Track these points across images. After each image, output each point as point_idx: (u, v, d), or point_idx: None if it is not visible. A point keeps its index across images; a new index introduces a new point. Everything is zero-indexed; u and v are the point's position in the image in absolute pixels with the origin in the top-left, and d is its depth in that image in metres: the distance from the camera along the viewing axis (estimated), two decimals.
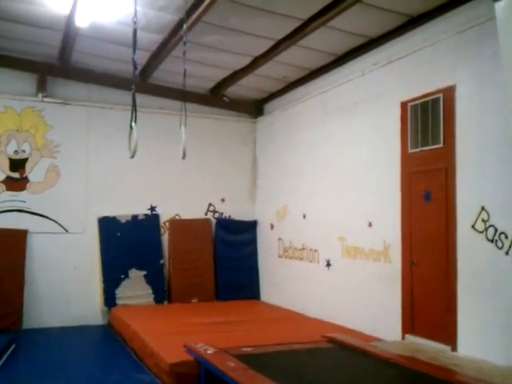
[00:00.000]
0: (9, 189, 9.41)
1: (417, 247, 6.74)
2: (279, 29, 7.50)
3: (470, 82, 6.10)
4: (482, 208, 5.84)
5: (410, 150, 6.89)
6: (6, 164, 9.44)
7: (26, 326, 9.06)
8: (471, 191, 6.01)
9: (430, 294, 6.51)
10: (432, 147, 6.55)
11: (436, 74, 6.55)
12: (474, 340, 5.88)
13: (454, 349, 6.08)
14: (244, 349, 6.15)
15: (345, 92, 8.31)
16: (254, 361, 5.53)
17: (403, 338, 6.86)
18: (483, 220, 5.83)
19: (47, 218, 9.58)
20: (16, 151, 9.53)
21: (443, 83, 6.41)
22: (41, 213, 9.54)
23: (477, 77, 6.02)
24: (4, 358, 6.99)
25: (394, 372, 5.50)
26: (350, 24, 7.14)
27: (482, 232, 5.83)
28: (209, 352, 5.76)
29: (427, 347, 6.28)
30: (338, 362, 5.92)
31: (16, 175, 9.49)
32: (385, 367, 5.59)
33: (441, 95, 6.42)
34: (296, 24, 7.28)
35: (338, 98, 8.49)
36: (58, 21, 7.70)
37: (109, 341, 8.58)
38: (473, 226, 5.93)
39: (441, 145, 6.41)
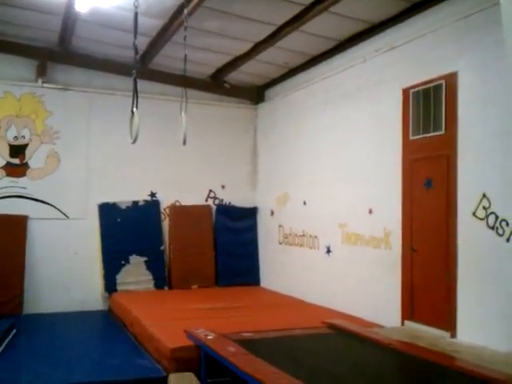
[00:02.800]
0: (9, 175, 9.39)
1: (417, 234, 6.74)
2: (280, 14, 7.44)
3: (473, 68, 6.07)
4: (483, 195, 5.83)
5: (412, 137, 6.87)
6: (6, 150, 9.42)
7: (27, 311, 9.09)
8: (472, 178, 6.00)
9: (430, 280, 6.53)
10: (433, 134, 6.52)
11: (438, 61, 6.51)
12: (474, 326, 5.90)
13: (454, 335, 6.11)
14: (244, 334, 6.18)
15: (346, 78, 8.27)
16: (254, 346, 5.55)
17: (403, 324, 6.89)
18: (484, 207, 5.82)
19: (47, 203, 9.57)
20: (16, 137, 9.51)
21: (445, 70, 6.37)
22: (41, 199, 9.54)
23: (480, 64, 5.99)
24: (5, 343, 7.01)
25: (394, 358, 5.53)
26: (352, 9, 7.08)
27: (482, 219, 5.83)
28: (209, 337, 5.79)
29: (427, 333, 6.30)
30: (338, 348, 5.94)
31: (16, 161, 9.48)
32: (384, 353, 5.62)
33: (443, 82, 6.39)
34: (298, 9, 7.21)
35: (339, 85, 8.45)
36: (57, 5, 7.63)
37: (109, 326, 8.63)
38: (474, 213, 5.93)
39: (442, 132, 6.39)
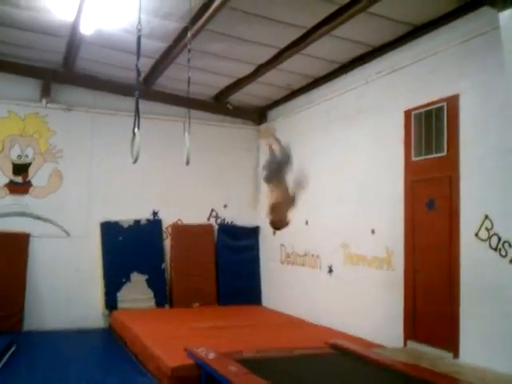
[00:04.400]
0: (12, 193, 9.45)
1: (420, 255, 6.76)
2: (283, 37, 7.54)
3: (474, 90, 6.15)
4: (486, 216, 5.86)
5: (414, 158, 6.93)
6: (10, 168, 9.48)
7: (27, 327, 9.06)
8: (475, 199, 6.04)
9: (432, 301, 6.52)
10: (435, 155, 6.58)
11: (440, 83, 6.60)
12: (477, 348, 5.88)
13: (456, 356, 6.09)
14: (245, 353, 6.17)
15: (348, 100, 8.35)
16: (256, 365, 5.53)
17: (405, 344, 6.87)
18: (487, 228, 5.85)
19: (50, 221, 9.61)
20: (19, 156, 9.57)
21: (447, 92, 6.46)
22: (43, 216, 9.57)
23: (480, 86, 6.07)
24: (4, 360, 7.01)
25: (396, 379, 5.50)
26: (354, 33, 7.18)
27: (485, 240, 5.85)
28: (210, 356, 5.77)
29: (429, 354, 6.29)
30: (340, 368, 5.92)
31: (19, 179, 9.53)
32: (387, 374, 5.60)
33: (445, 104, 6.46)
34: (300, 32, 7.32)
35: (341, 106, 8.53)
36: (62, 28, 7.73)
37: (110, 344, 8.60)
38: (476, 235, 5.96)
39: (444, 153, 6.44)
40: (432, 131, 6.64)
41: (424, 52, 6.85)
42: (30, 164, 9.63)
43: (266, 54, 8.21)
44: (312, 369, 5.81)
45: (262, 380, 4.94)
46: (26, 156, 9.62)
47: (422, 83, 6.89)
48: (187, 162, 6.48)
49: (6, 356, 7.19)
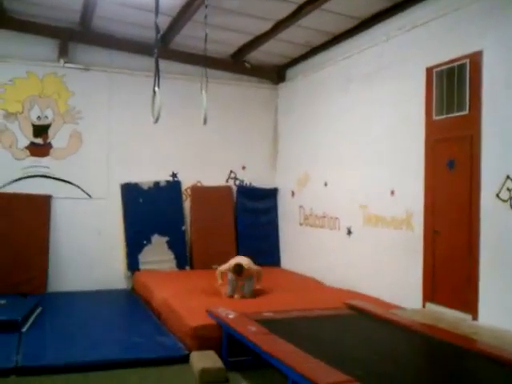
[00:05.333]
0: (32, 154, 9.51)
1: (440, 216, 6.69)
2: None
3: (498, 47, 5.94)
4: (507, 177, 5.75)
5: (435, 117, 6.78)
6: (30, 130, 9.52)
7: (51, 289, 9.25)
8: (496, 160, 5.92)
9: (452, 262, 6.49)
10: (457, 114, 6.43)
11: (462, 40, 6.39)
12: (496, 309, 5.86)
13: (475, 318, 6.08)
14: (265, 314, 6.23)
15: (368, 58, 8.16)
16: (275, 326, 5.60)
17: (424, 306, 6.88)
18: (508, 189, 5.74)
19: (70, 183, 9.69)
20: (39, 117, 9.60)
21: (470, 49, 6.26)
22: (64, 178, 9.65)
23: (505, 42, 5.86)
24: (31, 321, 7.18)
25: (414, 339, 5.54)
26: None
27: (506, 201, 5.76)
28: (230, 316, 5.85)
29: (448, 315, 6.29)
30: (358, 329, 5.97)
31: (39, 141, 9.58)
32: (405, 334, 5.63)
33: (467, 61, 6.27)
34: None
35: (361, 64, 8.34)
36: None
37: (132, 305, 8.76)
38: (497, 195, 5.86)
39: (466, 112, 6.29)
40: (454, 89, 6.47)
41: (446, 7, 6.62)
42: (49, 125, 9.66)
43: (285, 10, 8.03)
44: (330, 329, 5.86)
45: (282, 339, 5.00)
46: (46, 117, 9.64)
47: (444, 39, 6.68)
48: (204, 122, 6.44)
49: (33, 317, 7.36)
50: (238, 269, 7.31)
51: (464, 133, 6.33)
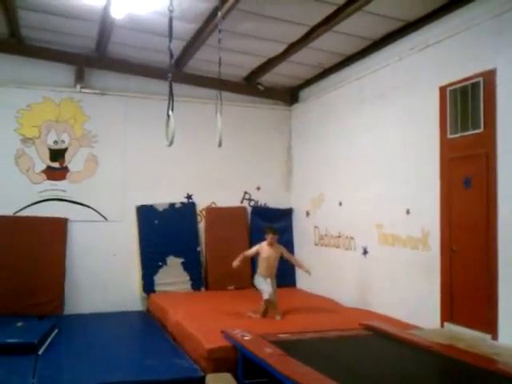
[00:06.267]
0: (49, 178, 9.63)
1: (456, 234, 6.62)
2: (314, 15, 7.41)
3: (511, 65, 5.93)
4: None
5: (449, 136, 6.76)
6: (47, 154, 9.65)
7: (68, 311, 9.28)
8: None
9: (469, 281, 6.40)
10: (472, 132, 6.41)
11: (476, 58, 6.39)
12: None
13: (495, 337, 5.98)
14: (281, 335, 6.19)
15: (381, 77, 8.19)
16: (291, 347, 5.56)
17: (442, 325, 6.78)
18: None
19: (87, 206, 9.78)
20: (55, 141, 9.74)
21: (483, 67, 6.25)
22: (80, 201, 9.74)
23: None
24: (48, 342, 7.20)
25: (433, 360, 5.45)
26: (387, 8, 7.01)
27: None
28: (246, 338, 5.82)
29: (467, 335, 6.19)
30: (376, 350, 5.89)
31: (56, 165, 9.70)
32: (423, 355, 5.54)
33: (481, 79, 6.27)
34: (331, 9, 7.18)
35: (374, 84, 8.37)
36: (94, 12, 7.77)
37: (147, 326, 8.74)
38: None
39: (481, 129, 6.27)
40: (468, 108, 6.46)
41: (458, 26, 6.64)
42: (66, 149, 9.79)
43: (297, 33, 8.10)
44: (347, 350, 5.80)
45: (299, 361, 4.95)
46: (63, 141, 9.78)
47: (457, 58, 6.69)
48: (219, 144, 6.48)
49: (49, 339, 7.38)
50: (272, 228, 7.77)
51: (479, 151, 6.30)
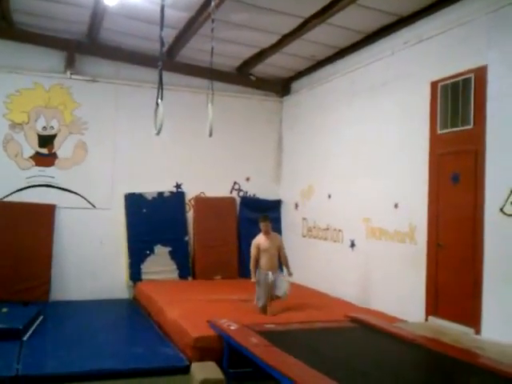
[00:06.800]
0: (37, 164, 9.56)
1: (443, 229, 6.67)
2: (308, 6, 7.41)
3: (503, 62, 5.96)
4: (511, 191, 5.74)
5: (439, 131, 6.79)
6: (35, 140, 9.58)
7: (54, 298, 9.25)
8: (500, 174, 5.91)
9: (455, 276, 6.46)
10: (462, 128, 6.44)
11: (467, 54, 6.42)
12: (499, 324, 5.83)
13: (478, 332, 6.04)
14: (267, 326, 6.22)
15: (373, 71, 8.20)
16: (277, 338, 5.59)
17: (427, 319, 6.84)
18: None
19: (75, 193, 9.73)
20: (44, 127, 9.66)
21: (475, 63, 6.28)
22: (68, 188, 9.69)
23: (509, 57, 5.88)
24: (32, 329, 7.16)
25: (417, 353, 5.50)
26: (381, 2, 7.03)
27: (510, 215, 5.74)
28: (232, 328, 5.84)
29: (451, 329, 6.25)
30: (361, 342, 5.94)
31: (44, 151, 9.63)
32: (407, 348, 5.59)
33: (472, 75, 6.30)
34: (325, 1, 7.17)
35: (366, 78, 8.38)
36: None
37: (133, 314, 8.74)
38: (501, 209, 5.84)
39: (471, 126, 6.30)
40: (458, 104, 6.49)
41: (451, 22, 6.66)
42: (55, 136, 9.71)
43: (291, 24, 8.08)
44: (332, 342, 5.84)
45: (284, 352, 4.98)
46: (52, 127, 9.70)
47: (449, 54, 6.71)
48: (210, 134, 6.46)
49: (34, 325, 7.34)
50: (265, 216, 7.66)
51: (468, 147, 6.33)
